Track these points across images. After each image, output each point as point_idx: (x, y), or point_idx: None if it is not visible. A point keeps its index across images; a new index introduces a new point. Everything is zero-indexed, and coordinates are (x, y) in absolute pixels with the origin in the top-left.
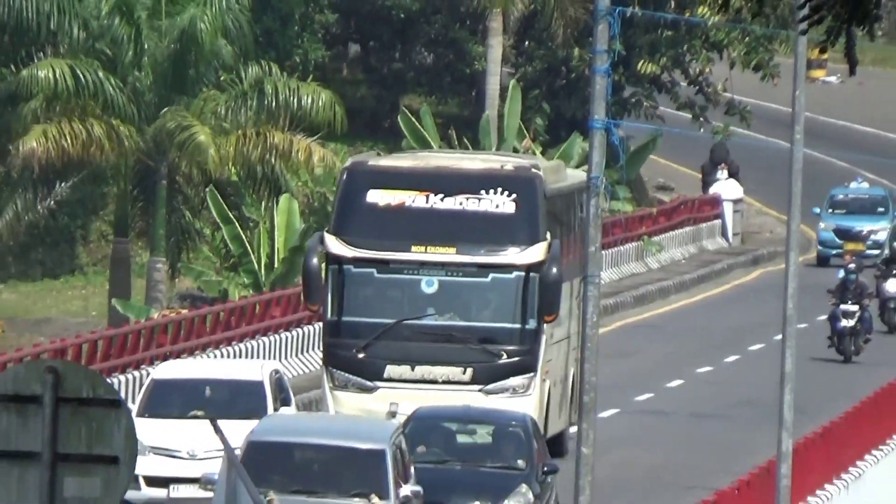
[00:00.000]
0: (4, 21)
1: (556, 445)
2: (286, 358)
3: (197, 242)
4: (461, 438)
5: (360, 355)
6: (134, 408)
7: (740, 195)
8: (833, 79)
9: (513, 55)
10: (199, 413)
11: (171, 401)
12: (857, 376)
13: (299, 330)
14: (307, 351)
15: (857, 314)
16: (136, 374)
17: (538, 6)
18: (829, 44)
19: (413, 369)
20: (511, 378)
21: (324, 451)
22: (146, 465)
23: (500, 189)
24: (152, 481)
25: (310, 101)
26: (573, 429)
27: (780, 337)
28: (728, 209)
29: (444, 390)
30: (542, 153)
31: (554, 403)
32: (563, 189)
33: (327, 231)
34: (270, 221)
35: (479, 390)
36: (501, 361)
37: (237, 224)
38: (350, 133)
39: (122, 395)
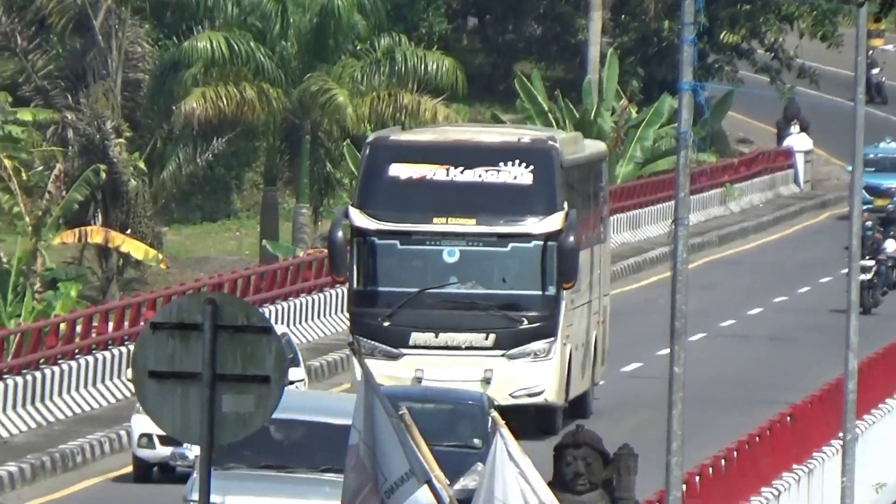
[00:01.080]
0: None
1: (580, 407)
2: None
3: (336, 190)
4: (420, 418)
5: (386, 324)
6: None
7: (810, 147)
8: (890, 47)
9: (610, 27)
10: None
11: None
12: (876, 326)
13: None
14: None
15: (874, 268)
16: (284, 304)
17: None
18: (882, 15)
19: (437, 336)
20: (532, 343)
21: (296, 426)
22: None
23: (517, 161)
24: (167, 440)
25: (434, 67)
26: (602, 382)
27: (845, 271)
28: (800, 159)
29: (468, 356)
30: (637, 112)
31: (576, 366)
32: (580, 160)
33: (352, 205)
34: None
35: (502, 355)
36: (523, 327)
37: None
38: (469, 95)
39: (273, 322)
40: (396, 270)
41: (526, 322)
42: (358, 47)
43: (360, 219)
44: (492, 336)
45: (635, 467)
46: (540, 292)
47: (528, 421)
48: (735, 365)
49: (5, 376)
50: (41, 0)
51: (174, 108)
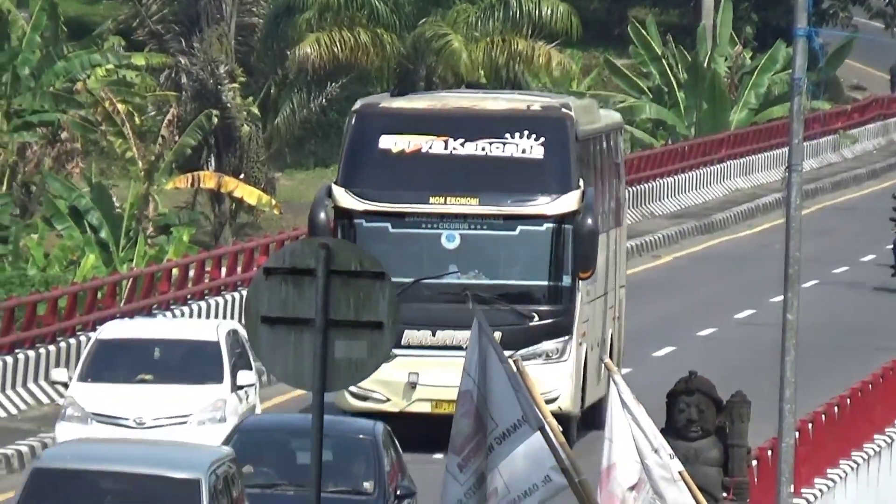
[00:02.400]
0: None
1: (595, 416)
2: None
3: None
4: (300, 456)
5: None
6: (74, 372)
7: None
8: None
9: None
10: (147, 377)
11: (116, 364)
12: None
13: None
14: None
15: None
16: None
17: None
18: None
19: (434, 334)
20: (544, 342)
21: (126, 480)
22: (89, 434)
23: (526, 132)
24: None
25: (549, 12)
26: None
27: None
28: None
29: None
30: (751, 58)
31: (592, 369)
32: (597, 130)
33: (335, 183)
34: None
35: (510, 356)
36: (533, 323)
37: None
38: (583, 40)
39: None
40: (387, 258)
41: (537, 318)
42: None
43: (344, 198)
44: (497, 334)
45: (748, 414)
46: (553, 283)
47: None
48: (848, 312)
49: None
50: None
51: (288, 52)
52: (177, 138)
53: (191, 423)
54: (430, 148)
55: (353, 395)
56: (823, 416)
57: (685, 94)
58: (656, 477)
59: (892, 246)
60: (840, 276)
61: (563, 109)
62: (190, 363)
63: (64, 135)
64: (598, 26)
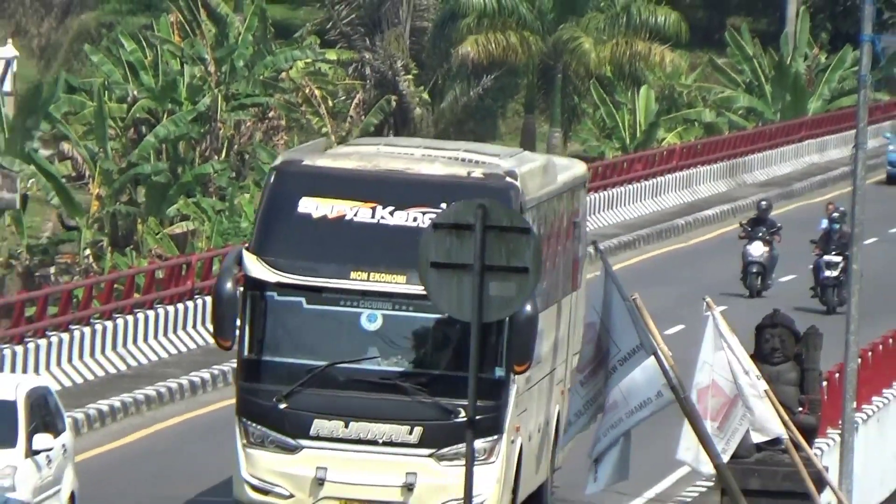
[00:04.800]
0: None
1: (535, 501)
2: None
3: (582, 118)
4: None
5: (282, 405)
6: None
7: None
8: None
9: None
10: None
11: None
12: (839, 326)
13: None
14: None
15: (841, 265)
16: None
17: None
18: None
19: (347, 426)
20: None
21: None
22: None
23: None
24: None
25: (663, 19)
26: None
27: None
28: None
29: (386, 453)
30: (825, 58)
31: (529, 462)
32: (550, 193)
33: (246, 249)
34: (633, 104)
35: (430, 455)
36: (458, 420)
37: (610, 105)
38: (690, 43)
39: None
40: (299, 337)
41: (463, 413)
42: (601, 3)
43: (255, 267)
44: (417, 429)
45: (820, 343)
46: (483, 375)
47: None
48: None
49: None
50: None
51: (452, 51)
52: (363, 118)
53: None
54: (356, 215)
55: (254, 488)
56: (881, 346)
57: (772, 87)
58: (747, 394)
59: (811, 267)
60: (894, 236)
61: (508, 178)
62: None
63: (271, 114)
64: (702, 31)
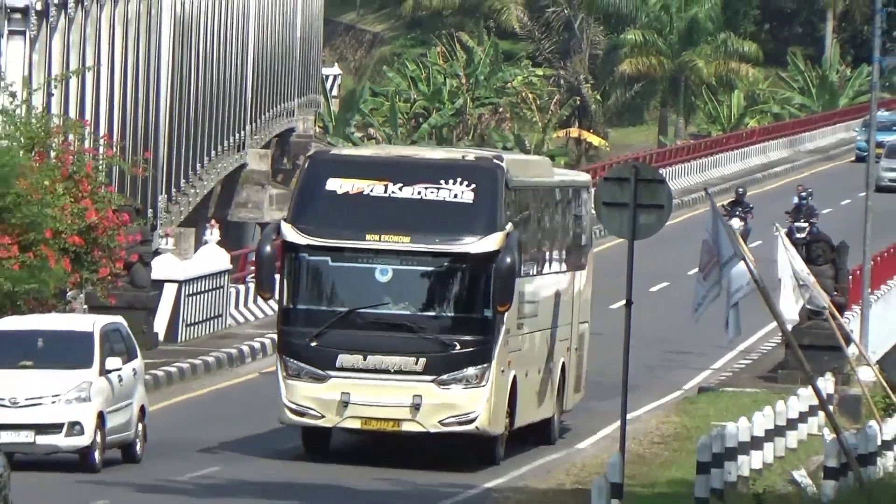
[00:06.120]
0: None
1: (541, 434)
2: None
3: (696, 111)
4: None
5: (313, 344)
6: None
7: None
8: None
9: (836, 27)
10: (28, 363)
11: (2, 352)
12: None
13: None
14: None
15: (807, 229)
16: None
17: None
18: None
19: (365, 359)
20: (465, 368)
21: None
22: None
23: (459, 179)
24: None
25: (746, 48)
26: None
27: None
28: None
29: (397, 380)
30: (850, 71)
31: (526, 393)
32: (541, 184)
33: (284, 220)
34: (729, 101)
35: (432, 380)
36: (455, 351)
37: (714, 102)
38: (764, 63)
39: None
40: (326, 288)
41: (459, 346)
42: (708, 37)
43: (291, 234)
44: (422, 360)
45: (847, 252)
46: (475, 315)
47: (466, 449)
48: None
49: None
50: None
51: (615, 68)
52: (558, 112)
53: (58, 401)
54: (371, 191)
55: (293, 411)
56: (885, 254)
57: (816, 90)
58: (808, 283)
59: (785, 232)
60: None
61: (495, 160)
62: (65, 351)
63: (500, 110)
64: (772, 55)
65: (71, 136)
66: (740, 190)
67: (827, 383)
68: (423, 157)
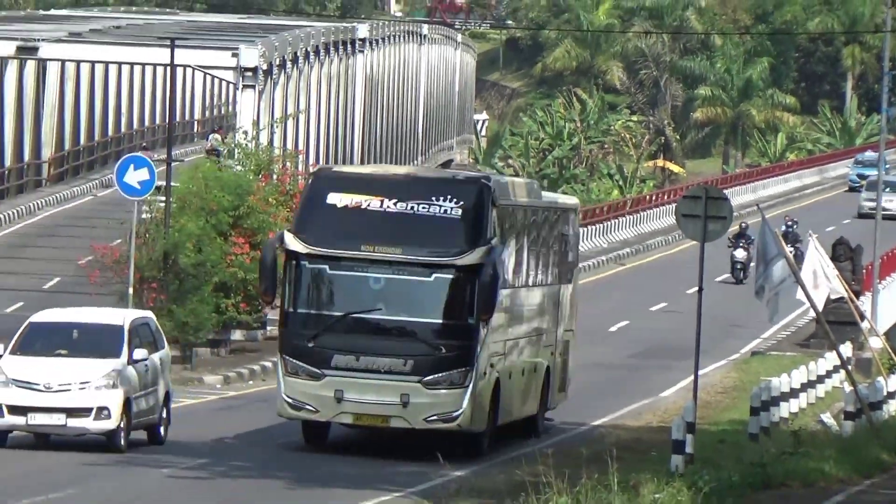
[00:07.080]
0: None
1: (528, 429)
2: None
3: (750, 147)
4: None
5: (310, 344)
6: (8, 347)
7: None
8: None
9: (854, 83)
10: (63, 352)
11: (41, 341)
12: None
13: None
14: None
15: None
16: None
17: None
18: None
19: (358, 359)
20: (449, 371)
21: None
22: (8, 396)
23: (449, 196)
24: (13, 409)
25: (787, 100)
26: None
27: None
28: None
29: (386, 380)
30: (865, 118)
31: (509, 394)
32: (530, 204)
33: (288, 230)
34: (774, 140)
35: (419, 381)
36: (440, 355)
37: (763, 141)
38: (801, 111)
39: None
40: (324, 294)
41: (444, 350)
42: (760, 92)
43: (293, 243)
44: (410, 362)
45: (862, 252)
46: (459, 322)
47: (453, 444)
48: None
49: None
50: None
51: (690, 114)
52: (649, 147)
53: (88, 388)
54: (368, 205)
55: (291, 405)
56: (891, 253)
57: (839, 133)
58: (829, 276)
59: None
60: None
61: (482, 180)
62: (97, 342)
63: (605, 146)
64: (807, 107)
65: (288, 164)
66: (743, 224)
67: (846, 349)
68: (416, 176)
